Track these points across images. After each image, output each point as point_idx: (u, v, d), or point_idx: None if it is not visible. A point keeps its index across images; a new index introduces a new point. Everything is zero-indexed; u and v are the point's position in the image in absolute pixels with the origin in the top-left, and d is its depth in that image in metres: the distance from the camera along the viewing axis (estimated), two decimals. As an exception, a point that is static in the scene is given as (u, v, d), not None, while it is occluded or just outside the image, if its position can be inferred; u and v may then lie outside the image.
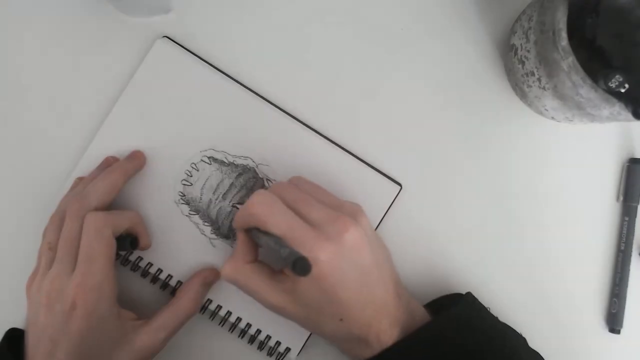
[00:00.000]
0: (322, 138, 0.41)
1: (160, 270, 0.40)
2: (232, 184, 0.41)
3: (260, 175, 0.41)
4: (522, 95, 0.41)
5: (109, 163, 0.41)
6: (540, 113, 0.41)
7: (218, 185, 0.41)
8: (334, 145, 0.41)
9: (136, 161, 0.40)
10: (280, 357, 0.40)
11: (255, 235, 0.36)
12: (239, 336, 0.41)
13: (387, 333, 0.34)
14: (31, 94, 0.42)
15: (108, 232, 0.36)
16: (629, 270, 0.42)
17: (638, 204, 0.43)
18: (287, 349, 0.40)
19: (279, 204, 0.34)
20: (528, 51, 0.36)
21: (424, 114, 0.43)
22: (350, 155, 0.41)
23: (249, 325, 0.40)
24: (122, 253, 0.40)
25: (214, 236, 0.41)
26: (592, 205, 0.43)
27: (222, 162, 0.41)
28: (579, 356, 0.43)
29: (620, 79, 0.32)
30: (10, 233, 0.42)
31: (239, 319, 0.40)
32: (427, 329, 0.35)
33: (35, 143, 0.42)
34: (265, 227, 0.34)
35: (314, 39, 0.43)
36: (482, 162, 0.43)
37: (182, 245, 0.40)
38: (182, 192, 0.41)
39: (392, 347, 0.34)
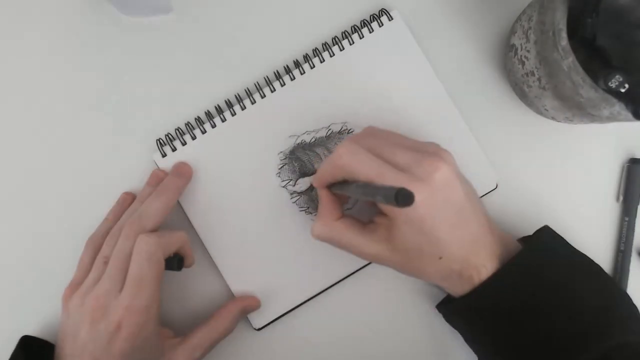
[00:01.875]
0: None
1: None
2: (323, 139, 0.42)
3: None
4: (522, 95, 0.41)
5: (159, 178, 0.41)
6: (540, 113, 0.41)
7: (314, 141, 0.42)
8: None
9: (185, 177, 0.41)
10: None
11: (341, 189, 0.36)
12: None
13: (485, 266, 0.35)
14: (31, 94, 0.42)
15: (159, 256, 0.36)
16: (629, 270, 0.42)
17: (638, 204, 0.43)
18: None
19: (364, 152, 0.34)
20: (528, 51, 0.36)
21: (424, 114, 0.43)
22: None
23: None
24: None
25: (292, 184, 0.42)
26: (592, 205, 0.43)
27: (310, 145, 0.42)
28: (579, 356, 0.43)
29: (620, 79, 0.32)
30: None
31: None
32: (521, 257, 0.35)
33: (35, 143, 0.42)
34: (354, 176, 0.34)
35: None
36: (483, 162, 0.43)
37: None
38: (291, 153, 0.42)
39: (491, 278, 0.35)
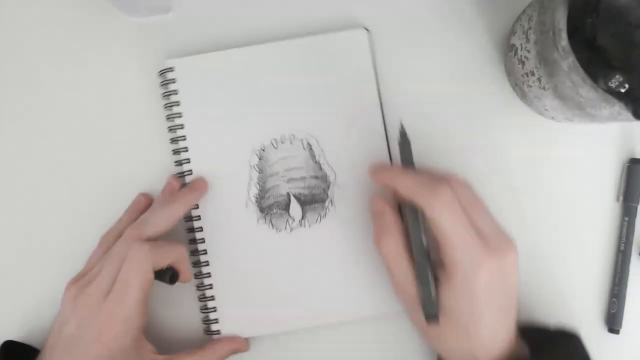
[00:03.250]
0: None
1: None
2: (303, 178, 0.41)
3: (328, 193, 0.41)
4: (522, 95, 0.41)
5: (173, 188, 0.41)
6: (540, 113, 0.41)
7: (294, 168, 0.41)
8: None
9: (198, 192, 0.40)
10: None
11: (408, 213, 0.35)
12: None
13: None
14: (31, 94, 0.42)
15: (148, 266, 0.35)
16: (629, 270, 0.42)
17: (638, 204, 0.43)
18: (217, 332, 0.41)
19: (459, 206, 0.33)
20: (528, 51, 0.36)
21: (424, 114, 0.43)
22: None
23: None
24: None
25: (253, 200, 0.41)
26: (592, 205, 0.43)
27: (313, 156, 0.41)
28: (579, 356, 0.43)
29: (620, 79, 0.32)
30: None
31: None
32: None
33: (35, 145, 0.42)
34: (436, 222, 0.33)
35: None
36: (482, 162, 0.43)
37: (224, 186, 0.41)
38: (264, 147, 0.41)
39: None
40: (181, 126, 0.41)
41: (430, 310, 0.33)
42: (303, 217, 0.41)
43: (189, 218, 0.41)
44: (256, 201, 0.41)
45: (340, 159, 0.41)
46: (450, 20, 0.43)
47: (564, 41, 0.32)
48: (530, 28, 0.36)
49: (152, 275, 0.36)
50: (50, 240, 0.42)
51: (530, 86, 0.38)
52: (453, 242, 0.33)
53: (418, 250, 0.35)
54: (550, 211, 0.43)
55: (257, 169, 0.41)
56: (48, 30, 0.43)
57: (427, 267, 0.34)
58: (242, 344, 0.41)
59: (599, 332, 0.43)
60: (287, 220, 0.41)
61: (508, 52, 0.40)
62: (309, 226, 0.41)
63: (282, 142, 0.41)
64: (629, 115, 0.32)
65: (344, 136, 0.41)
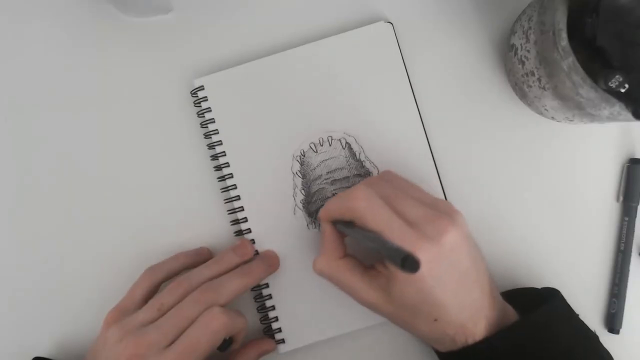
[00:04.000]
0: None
1: (241, 208, 0.41)
2: (346, 178, 0.41)
3: None
4: (522, 95, 0.41)
5: (246, 251, 0.40)
6: (540, 113, 0.41)
7: (336, 169, 0.41)
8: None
9: (273, 268, 0.40)
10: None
11: (345, 229, 0.35)
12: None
13: (482, 335, 0.34)
14: (30, 94, 0.42)
15: (221, 335, 0.35)
16: (629, 270, 0.42)
17: (638, 204, 0.43)
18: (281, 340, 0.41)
19: (378, 201, 0.34)
20: (528, 51, 0.36)
21: (423, 114, 0.43)
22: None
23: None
24: None
25: (300, 206, 0.41)
26: (592, 205, 0.43)
27: (353, 155, 0.41)
28: (579, 356, 0.43)
29: (620, 79, 0.32)
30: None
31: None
32: (518, 328, 0.34)
33: (36, 147, 0.42)
34: (364, 222, 0.33)
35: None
36: (482, 162, 0.43)
37: (269, 196, 0.41)
38: (304, 152, 0.41)
39: (481, 341, 0.34)
40: (219, 142, 0.41)
41: (400, 253, 0.29)
42: None
43: (239, 232, 0.41)
44: (304, 207, 0.41)
45: (380, 154, 0.41)
46: (450, 20, 0.43)
47: (564, 41, 0.32)
48: (530, 28, 0.36)
49: (219, 343, 0.35)
50: (87, 261, 0.42)
51: (530, 86, 0.38)
52: (388, 234, 0.32)
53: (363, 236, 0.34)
54: (550, 211, 0.43)
55: (300, 175, 0.41)
56: (47, 30, 0.43)
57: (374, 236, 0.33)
58: (269, 344, 0.40)
59: (599, 332, 0.43)
60: None
61: (508, 52, 0.40)
62: None
63: (321, 145, 0.41)
64: (629, 115, 0.32)
65: (382, 131, 0.41)
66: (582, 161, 0.43)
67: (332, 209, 0.36)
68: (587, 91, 0.32)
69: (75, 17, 0.43)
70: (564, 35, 0.32)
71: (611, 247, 0.43)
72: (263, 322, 0.41)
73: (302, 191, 0.41)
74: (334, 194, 0.41)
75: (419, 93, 0.43)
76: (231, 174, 0.41)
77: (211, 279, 0.37)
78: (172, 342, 0.34)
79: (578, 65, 0.32)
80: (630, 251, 0.42)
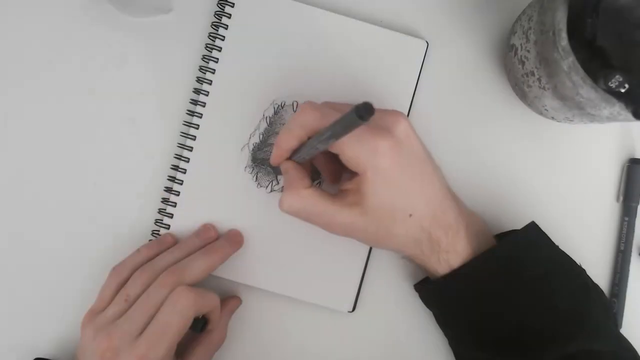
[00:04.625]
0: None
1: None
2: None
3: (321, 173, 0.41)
4: (522, 95, 0.41)
5: (209, 235, 0.40)
6: (540, 113, 0.41)
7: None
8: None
9: (237, 246, 0.40)
10: None
11: (301, 152, 0.35)
12: None
13: (453, 228, 0.36)
14: (29, 94, 0.42)
15: (191, 314, 0.35)
16: (629, 270, 0.42)
17: (638, 204, 0.43)
18: None
19: (326, 106, 0.34)
20: (528, 51, 0.36)
21: (423, 114, 0.43)
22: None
23: None
24: None
25: (250, 146, 0.41)
26: (592, 205, 0.43)
27: None
28: (579, 356, 0.43)
29: (620, 79, 0.32)
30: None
31: None
32: (503, 247, 0.36)
33: (36, 145, 0.42)
34: (320, 126, 0.33)
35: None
36: (482, 161, 0.43)
37: (232, 122, 0.41)
38: (284, 105, 0.41)
39: (469, 263, 0.36)
40: (216, 60, 0.41)
41: (350, 114, 0.27)
42: None
43: (185, 134, 0.41)
44: (252, 150, 0.41)
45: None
46: (450, 20, 0.43)
47: (564, 41, 0.32)
48: (530, 28, 0.36)
49: (190, 323, 0.35)
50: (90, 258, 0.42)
51: (530, 86, 0.38)
52: (342, 144, 0.33)
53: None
54: (551, 211, 0.43)
55: (268, 121, 0.41)
56: (47, 30, 0.42)
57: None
58: (234, 300, 0.41)
59: (599, 332, 0.43)
60: (272, 181, 0.41)
61: (508, 52, 0.40)
62: None
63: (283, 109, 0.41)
64: (629, 115, 0.32)
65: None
66: (582, 161, 0.43)
67: (283, 140, 0.35)
68: (587, 91, 0.32)
69: (74, 17, 0.43)
70: (564, 35, 0.32)
71: (611, 247, 0.43)
72: (158, 223, 0.41)
73: (261, 135, 0.41)
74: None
75: (417, 93, 0.43)
76: (211, 80, 0.41)
77: (175, 263, 0.37)
78: (143, 330, 0.34)
79: (578, 65, 0.32)
80: (630, 251, 0.43)
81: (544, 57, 0.34)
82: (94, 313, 0.36)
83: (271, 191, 0.41)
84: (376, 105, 0.26)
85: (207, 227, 0.41)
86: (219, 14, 0.42)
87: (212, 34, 0.42)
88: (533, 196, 0.43)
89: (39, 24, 0.43)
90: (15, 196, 0.42)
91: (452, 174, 0.43)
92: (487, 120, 0.43)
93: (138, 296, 0.36)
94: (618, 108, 0.33)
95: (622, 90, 0.32)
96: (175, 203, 0.41)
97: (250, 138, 0.41)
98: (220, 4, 0.42)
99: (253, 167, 0.41)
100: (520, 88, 0.40)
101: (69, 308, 0.41)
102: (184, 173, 0.41)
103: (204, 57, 0.42)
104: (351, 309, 0.41)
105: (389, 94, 0.42)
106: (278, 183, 0.41)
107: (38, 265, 0.42)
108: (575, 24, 0.33)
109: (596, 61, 0.33)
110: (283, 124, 0.41)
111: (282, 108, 0.41)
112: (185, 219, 0.41)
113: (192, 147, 0.41)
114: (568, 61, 0.32)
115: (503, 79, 0.43)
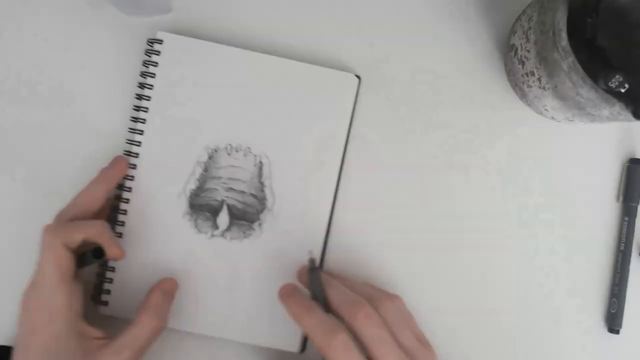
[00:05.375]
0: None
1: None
2: (242, 192, 0.41)
3: (260, 216, 0.41)
4: (522, 95, 0.41)
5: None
6: (540, 113, 0.41)
7: (238, 180, 0.41)
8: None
9: (118, 170, 0.40)
10: None
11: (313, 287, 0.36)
12: None
13: None
14: (29, 93, 0.42)
15: (57, 244, 0.34)
16: (629, 270, 0.42)
17: (638, 204, 0.43)
18: None
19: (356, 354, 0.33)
20: (528, 51, 0.36)
21: (423, 114, 0.43)
22: None
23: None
24: (92, 265, 0.38)
25: (187, 193, 0.41)
26: (592, 205, 0.43)
27: (260, 176, 0.41)
28: (578, 356, 0.43)
29: (620, 79, 0.32)
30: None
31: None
32: None
33: (36, 144, 0.42)
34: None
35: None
36: (482, 161, 0.43)
37: (166, 170, 0.41)
38: (217, 149, 0.41)
39: None
40: (148, 98, 0.41)
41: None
42: (228, 229, 0.41)
43: (120, 187, 0.41)
44: (190, 196, 0.41)
45: (285, 190, 0.41)
46: (450, 20, 0.43)
47: (564, 41, 0.32)
48: (530, 28, 0.36)
49: (64, 254, 0.34)
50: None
51: (530, 86, 0.38)
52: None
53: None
54: (551, 211, 0.43)
55: (203, 167, 0.41)
56: (46, 29, 0.43)
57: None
58: (168, 281, 0.39)
59: (599, 332, 0.43)
60: (212, 226, 0.41)
61: (508, 52, 0.40)
62: (230, 240, 0.41)
63: (237, 151, 0.41)
64: (629, 115, 0.32)
65: (297, 172, 0.41)
66: (582, 161, 0.43)
67: (309, 327, 0.33)
68: (587, 91, 0.32)
69: (74, 17, 0.43)
70: (564, 35, 0.32)
71: (611, 247, 0.43)
72: (98, 276, 0.40)
73: (197, 182, 0.41)
74: (223, 200, 0.41)
75: (417, 92, 0.43)
76: (142, 131, 0.41)
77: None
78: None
79: (578, 65, 0.32)
80: (630, 251, 0.43)
81: (544, 57, 0.34)
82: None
83: (212, 236, 0.41)
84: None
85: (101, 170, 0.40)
86: (149, 52, 0.41)
87: (143, 73, 0.41)
88: (532, 196, 0.43)
89: (37, 22, 0.43)
90: None
91: (452, 174, 0.43)
92: (487, 120, 0.43)
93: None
94: (618, 108, 0.33)
95: (622, 90, 0.32)
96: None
97: (186, 185, 0.41)
98: (147, 52, 0.41)
99: (191, 214, 0.41)
100: (520, 88, 0.40)
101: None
102: (125, 214, 0.41)
103: (137, 96, 0.41)
104: (300, 350, 0.41)
105: (323, 127, 0.41)
106: (217, 229, 0.41)
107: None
108: (575, 24, 0.33)
109: (596, 61, 0.33)
110: (218, 168, 0.41)
111: (216, 152, 0.41)
112: (127, 267, 0.40)
113: (130, 189, 0.41)
114: (568, 61, 0.32)
115: (503, 79, 0.43)
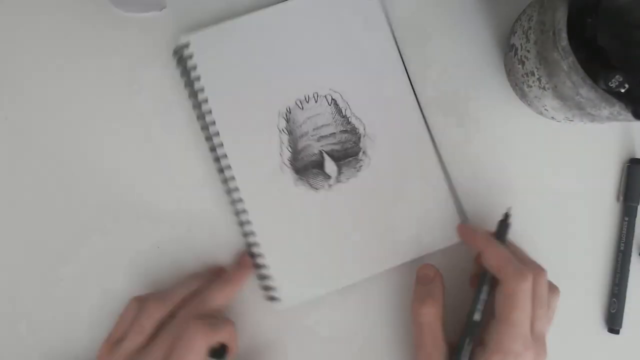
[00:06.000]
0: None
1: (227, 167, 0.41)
2: (333, 134, 0.41)
3: (360, 145, 0.41)
4: (522, 95, 0.41)
5: (219, 273, 0.41)
6: (540, 113, 0.41)
7: (322, 126, 0.41)
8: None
9: (248, 270, 0.41)
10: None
11: (482, 284, 0.37)
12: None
13: None
14: (28, 92, 0.42)
15: (203, 346, 0.35)
16: (629, 270, 0.42)
17: (638, 204, 0.43)
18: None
19: (530, 300, 0.35)
20: (528, 51, 0.36)
21: (425, 113, 0.43)
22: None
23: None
24: None
25: (287, 163, 0.41)
26: (592, 205, 0.43)
27: (339, 111, 0.42)
28: (578, 356, 0.43)
29: (620, 79, 0.32)
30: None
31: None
32: None
33: (35, 144, 0.42)
34: (509, 304, 0.35)
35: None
36: (482, 161, 0.43)
37: (257, 153, 0.41)
38: (290, 109, 0.41)
39: None
40: (205, 100, 0.41)
41: None
42: (339, 172, 0.41)
43: (228, 191, 0.41)
44: (290, 164, 0.41)
45: (366, 110, 0.41)
46: (450, 20, 0.43)
47: (564, 41, 0.32)
48: (530, 28, 0.36)
49: (205, 354, 0.36)
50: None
51: (530, 86, 0.38)
52: (513, 325, 0.34)
53: (472, 322, 0.36)
54: (550, 211, 0.43)
55: (286, 132, 0.41)
56: (42, 26, 0.42)
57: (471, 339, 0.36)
58: (244, 270, 0.41)
59: (599, 332, 0.43)
60: (325, 178, 0.41)
61: (508, 52, 0.40)
62: (347, 180, 0.41)
63: (307, 102, 0.41)
64: (629, 115, 0.32)
65: (367, 86, 0.41)
66: (582, 161, 0.43)
67: (499, 259, 0.36)
68: (587, 91, 0.32)
69: (68, 12, 0.42)
70: (564, 35, 0.32)
71: (611, 247, 0.43)
72: (260, 279, 0.41)
73: (289, 148, 0.41)
74: (321, 151, 0.41)
75: (416, 93, 0.43)
76: (217, 132, 0.41)
77: (188, 294, 0.38)
78: None
79: (578, 65, 0.32)
80: (630, 251, 0.42)
81: (544, 57, 0.34)
82: (110, 344, 0.37)
83: (330, 187, 0.41)
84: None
85: (218, 268, 0.41)
86: (182, 60, 0.41)
87: (187, 82, 0.42)
88: (532, 196, 0.43)
89: (31, 17, 0.42)
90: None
91: (452, 174, 0.43)
92: (487, 120, 0.43)
93: (153, 328, 0.36)
94: (618, 108, 0.33)
95: (622, 90, 0.32)
96: (262, 254, 0.41)
97: (281, 155, 0.41)
98: (176, 50, 0.42)
99: (301, 178, 0.41)
100: (520, 88, 0.40)
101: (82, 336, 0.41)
102: (246, 214, 0.41)
103: (194, 105, 0.42)
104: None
105: (371, 44, 0.42)
106: (330, 177, 0.41)
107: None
108: (575, 24, 0.33)
109: (596, 61, 0.33)
110: (300, 125, 0.41)
111: (290, 113, 0.41)
112: (276, 257, 0.41)
113: (237, 190, 0.41)
114: (568, 61, 0.32)
115: (503, 79, 0.43)
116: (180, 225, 0.42)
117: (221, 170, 0.41)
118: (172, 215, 0.42)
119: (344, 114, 0.42)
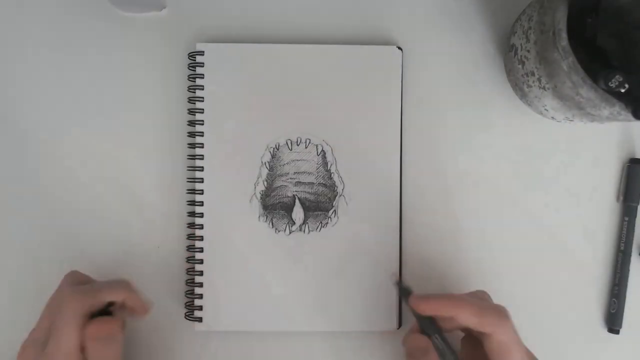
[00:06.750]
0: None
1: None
2: (311, 184, 0.42)
3: (333, 203, 0.41)
4: (522, 95, 0.41)
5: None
6: (540, 113, 0.41)
7: (304, 172, 0.42)
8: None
9: (145, 312, 0.38)
10: None
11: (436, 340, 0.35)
12: None
13: None
14: (28, 92, 0.42)
15: (79, 311, 0.33)
16: (629, 270, 0.42)
17: (638, 204, 0.43)
18: None
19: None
20: (528, 51, 0.36)
21: (423, 114, 0.43)
22: None
23: None
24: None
25: (258, 197, 0.41)
26: (592, 205, 0.43)
27: (325, 164, 0.42)
28: (578, 356, 0.43)
29: (620, 79, 0.32)
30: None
31: None
32: None
33: (34, 144, 0.42)
34: (504, 349, 0.34)
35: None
36: (481, 161, 0.43)
37: (233, 177, 0.41)
38: (278, 146, 0.41)
39: None
40: (201, 110, 0.41)
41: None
42: (304, 222, 0.41)
43: (192, 202, 0.41)
44: (261, 198, 0.41)
45: (351, 172, 0.42)
46: (450, 20, 0.43)
47: (564, 41, 0.32)
48: (530, 28, 0.36)
49: (86, 319, 0.34)
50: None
51: (530, 86, 0.38)
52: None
53: None
54: (550, 211, 0.43)
55: (268, 167, 0.41)
56: (41, 25, 0.42)
57: None
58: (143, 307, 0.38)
59: (599, 332, 0.43)
60: (288, 223, 0.41)
61: (508, 52, 0.40)
62: (308, 232, 0.41)
63: (297, 144, 0.42)
64: (629, 115, 0.32)
65: (359, 150, 0.42)
66: (582, 161, 0.43)
67: (477, 312, 0.34)
68: (587, 91, 0.32)
69: (67, 11, 0.42)
70: (564, 35, 0.32)
71: (611, 247, 0.43)
72: (187, 295, 0.41)
73: (265, 182, 0.41)
74: (294, 195, 0.41)
75: (417, 92, 0.43)
76: (202, 144, 0.41)
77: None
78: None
79: (578, 65, 0.32)
80: (630, 251, 0.42)
81: (544, 57, 0.34)
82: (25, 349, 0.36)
83: (290, 233, 0.41)
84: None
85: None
86: (193, 65, 0.42)
87: (190, 87, 0.42)
88: (532, 196, 0.43)
89: (32, 17, 0.42)
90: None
91: (452, 174, 0.43)
92: (487, 120, 0.43)
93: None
94: (618, 108, 0.33)
95: (622, 90, 0.32)
96: (202, 271, 0.41)
97: (255, 187, 0.41)
98: (191, 55, 0.42)
99: (266, 215, 0.41)
100: (520, 88, 0.40)
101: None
102: (201, 228, 0.41)
103: (190, 111, 0.42)
104: (397, 326, 0.41)
105: (377, 108, 0.42)
106: (294, 224, 0.41)
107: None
108: (575, 24, 0.33)
109: (596, 61, 0.33)
110: (283, 165, 0.41)
111: (278, 150, 0.41)
112: (214, 279, 0.41)
113: (202, 204, 0.41)
114: (568, 61, 0.32)
115: (503, 79, 0.43)
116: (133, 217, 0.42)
117: (193, 179, 0.41)
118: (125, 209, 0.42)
119: (328, 168, 0.42)
